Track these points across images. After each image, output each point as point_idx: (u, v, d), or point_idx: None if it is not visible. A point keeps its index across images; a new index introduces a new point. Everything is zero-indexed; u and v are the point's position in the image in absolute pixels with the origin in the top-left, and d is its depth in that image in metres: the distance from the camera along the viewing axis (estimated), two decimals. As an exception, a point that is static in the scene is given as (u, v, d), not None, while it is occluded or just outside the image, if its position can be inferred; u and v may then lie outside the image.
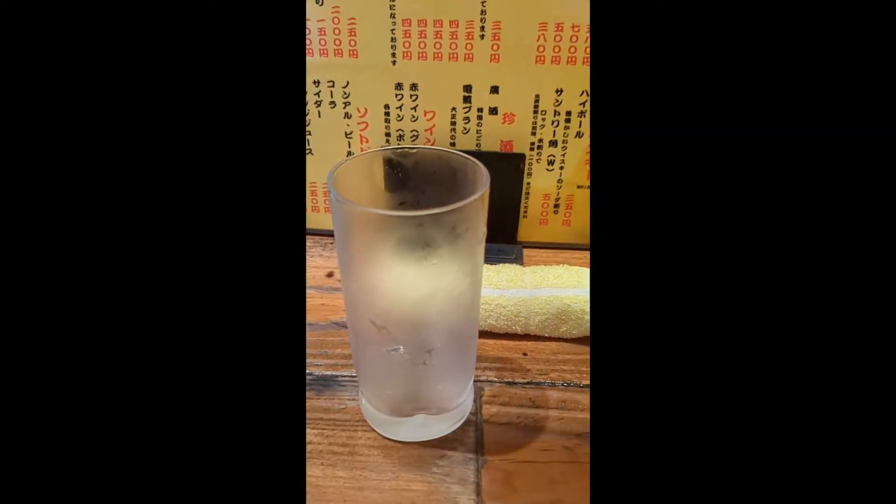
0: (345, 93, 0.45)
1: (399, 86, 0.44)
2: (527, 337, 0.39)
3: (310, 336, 0.39)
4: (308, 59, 0.43)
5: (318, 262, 0.48)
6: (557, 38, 0.41)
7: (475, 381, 0.35)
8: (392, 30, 0.42)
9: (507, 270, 0.40)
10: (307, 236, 0.51)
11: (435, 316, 0.28)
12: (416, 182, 0.30)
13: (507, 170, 0.46)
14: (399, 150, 0.29)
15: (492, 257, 0.45)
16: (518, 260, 0.47)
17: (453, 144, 0.46)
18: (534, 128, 0.45)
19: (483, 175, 0.27)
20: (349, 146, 0.47)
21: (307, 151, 0.47)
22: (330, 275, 0.46)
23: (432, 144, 0.46)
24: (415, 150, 0.29)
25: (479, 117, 0.45)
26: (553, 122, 0.45)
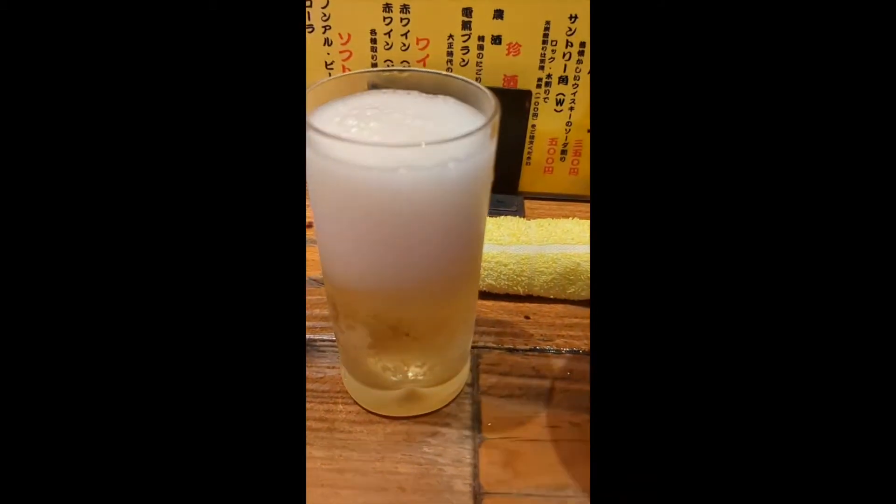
0: (324, 14, 0.39)
1: (388, 7, 0.38)
2: (529, 298, 0.36)
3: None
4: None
5: (295, 211, 0.43)
6: (574, -48, 0.36)
7: (472, 347, 0.31)
8: (380, -63, 0.36)
9: (509, 224, 0.36)
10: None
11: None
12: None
13: (510, 109, 0.41)
14: (386, 73, 0.24)
15: (490, 209, 0.41)
16: (519, 212, 0.43)
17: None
18: (542, 61, 0.40)
19: (490, 103, 0.22)
20: (330, 79, 0.42)
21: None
22: (308, 226, 0.41)
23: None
24: (405, 73, 0.24)
25: (480, 47, 0.39)
26: (564, 55, 0.39)
